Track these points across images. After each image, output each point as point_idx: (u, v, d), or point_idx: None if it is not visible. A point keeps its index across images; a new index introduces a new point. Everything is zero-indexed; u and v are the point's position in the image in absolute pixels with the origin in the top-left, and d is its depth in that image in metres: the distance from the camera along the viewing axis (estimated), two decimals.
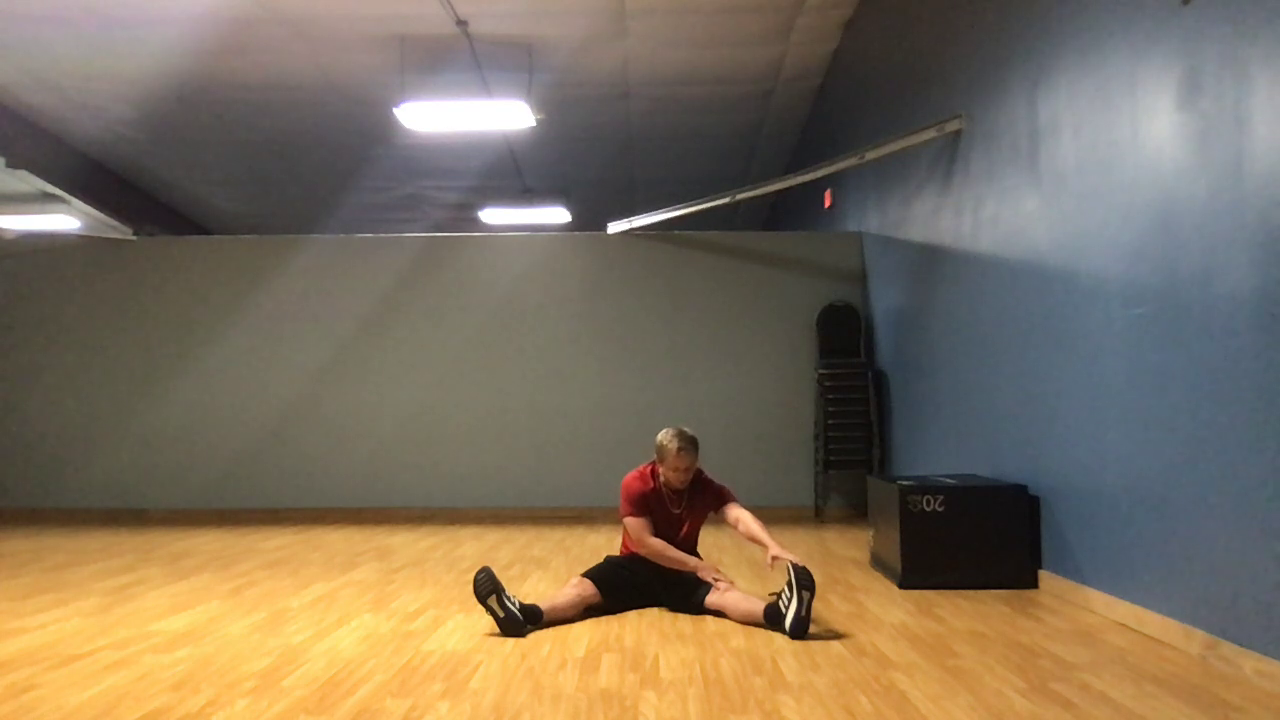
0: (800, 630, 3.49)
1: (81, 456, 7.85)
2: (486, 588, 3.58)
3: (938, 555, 4.46)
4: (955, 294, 5.56)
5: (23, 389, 7.92)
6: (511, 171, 12.13)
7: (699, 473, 4.17)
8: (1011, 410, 4.76)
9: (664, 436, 4.04)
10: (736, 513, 4.04)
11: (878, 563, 5.01)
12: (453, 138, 10.67)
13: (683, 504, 4.12)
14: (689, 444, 4.01)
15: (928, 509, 4.47)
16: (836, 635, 3.56)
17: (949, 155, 5.60)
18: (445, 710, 2.69)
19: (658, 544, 4.01)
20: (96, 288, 7.96)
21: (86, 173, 11.10)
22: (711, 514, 4.19)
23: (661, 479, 4.09)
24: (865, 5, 7.56)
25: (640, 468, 4.15)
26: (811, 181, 7.01)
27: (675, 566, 4.01)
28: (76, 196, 8.15)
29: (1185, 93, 3.29)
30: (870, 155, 6.12)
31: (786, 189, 7.61)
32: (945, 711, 2.66)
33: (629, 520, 4.04)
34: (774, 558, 3.78)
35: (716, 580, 3.95)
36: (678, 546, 4.07)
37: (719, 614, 3.88)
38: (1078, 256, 4.06)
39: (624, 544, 4.22)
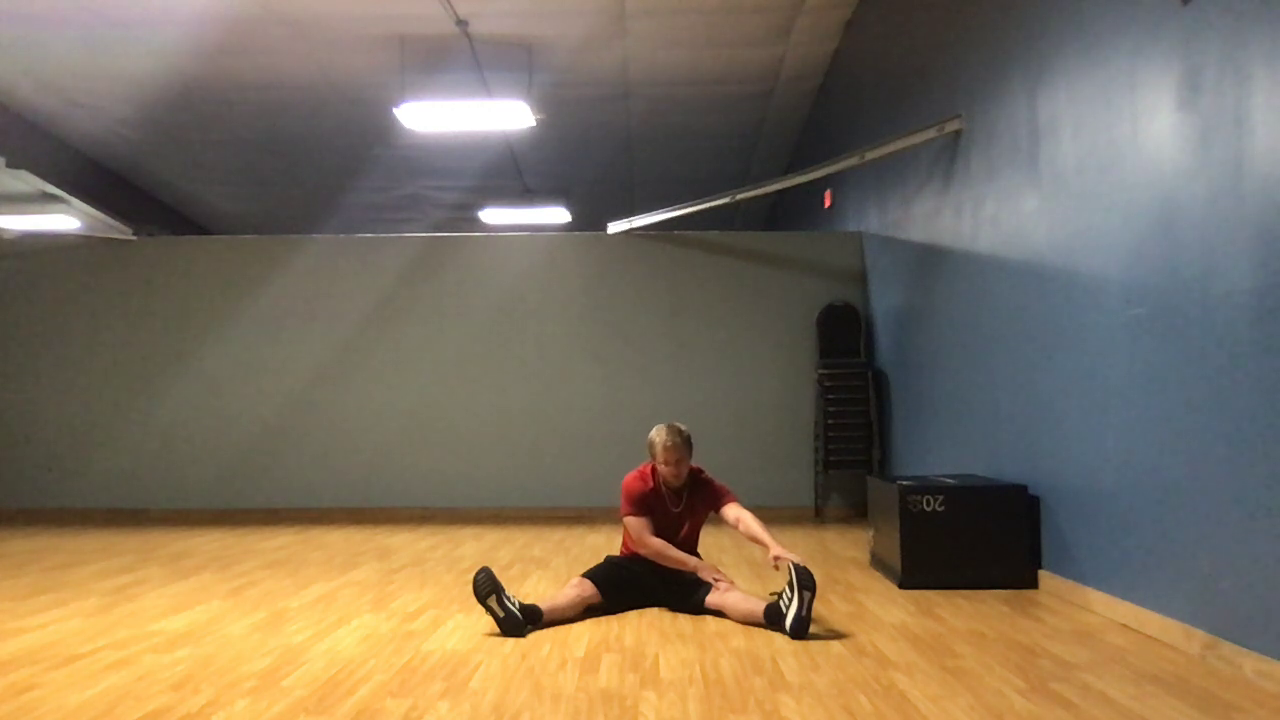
0: (800, 630, 3.49)
1: (81, 456, 7.85)
2: (486, 588, 3.58)
3: (938, 555, 4.46)
4: (955, 294, 5.56)
5: (23, 389, 7.92)
6: (511, 171, 12.13)
7: (699, 472, 4.18)
8: (1011, 410, 4.76)
9: (654, 432, 4.06)
10: (737, 512, 4.04)
11: (878, 563, 5.01)
12: (453, 138, 10.67)
13: (682, 503, 4.12)
14: (678, 435, 4.02)
15: (928, 509, 4.47)
16: (836, 635, 3.56)
17: (949, 155, 5.59)
18: (445, 710, 2.69)
19: (658, 543, 4.01)
20: (96, 288, 7.96)
21: (86, 173, 11.10)
22: (712, 514, 4.18)
23: (660, 478, 4.09)
24: (865, 5, 7.56)
25: (640, 467, 4.16)
26: (811, 181, 7.01)
27: (675, 566, 4.01)
28: (76, 196, 8.15)
29: (1185, 93, 3.29)
30: (870, 155, 6.11)
31: (786, 189, 7.61)
32: (945, 711, 2.66)
33: (629, 519, 4.04)
34: (776, 558, 3.78)
35: (717, 580, 3.95)
36: (678, 546, 4.07)
37: (719, 614, 3.88)
38: (1078, 256, 4.06)
39: (624, 544, 4.22)
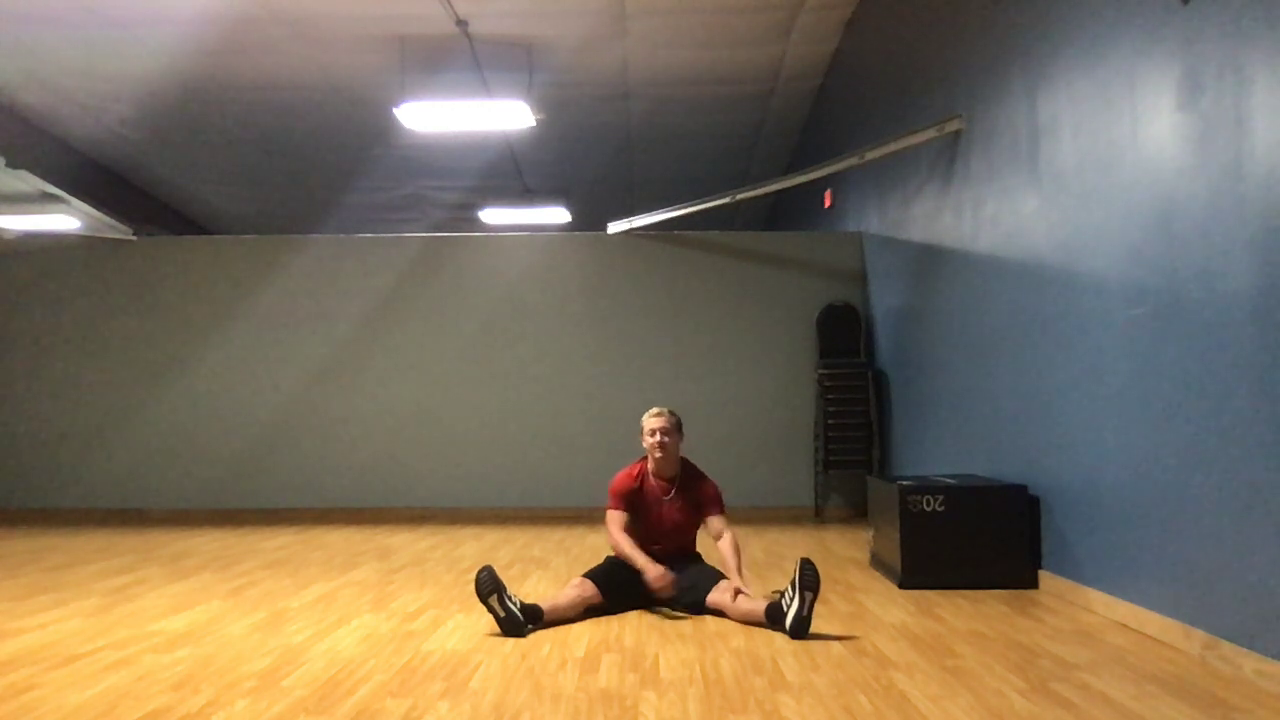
0: (801, 630, 3.49)
1: (81, 456, 7.85)
2: (488, 587, 3.59)
3: (938, 555, 4.46)
4: (955, 294, 5.56)
5: (23, 389, 7.91)
6: (511, 171, 12.13)
7: (692, 467, 4.23)
8: (1011, 410, 4.76)
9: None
10: (720, 527, 4.10)
11: (878, 563, 5.01)
12: (453, 138, 10.66)
13: (673, 491, 4.18)
14: (666, 411, 4.16)
15: (928, 509, 4.47)
16: (836, 635, 3.56)
17: (949, 155, 5.59)
18: (445, 710, 2.69)
19: (621, 538, 4.08)
20: (96, 288, 7.96)
21: (86, 173, 11.09)
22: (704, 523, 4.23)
23: (650, 468, 4.18)
24: (865, 5, 7.55)
25: (628, 466, 4.23)
26: (811, 181, 7.01)
27: (629, 562, 4.01)
28: (76, 196, 8.15)
29: (1185, 93, 3.29)
30: (870, 155, 6.12)
31: (786, 189, 7.60)
32: (945, 711, 2.66)
33: (608, 512, 4.17)
34: (737, 590, 3.84)
35: (660, 590, 3.93)
36: (666, 536, 4.15)
37: (719, 613, 3.88)
38: (1078, 256, 4.06)
39: None
